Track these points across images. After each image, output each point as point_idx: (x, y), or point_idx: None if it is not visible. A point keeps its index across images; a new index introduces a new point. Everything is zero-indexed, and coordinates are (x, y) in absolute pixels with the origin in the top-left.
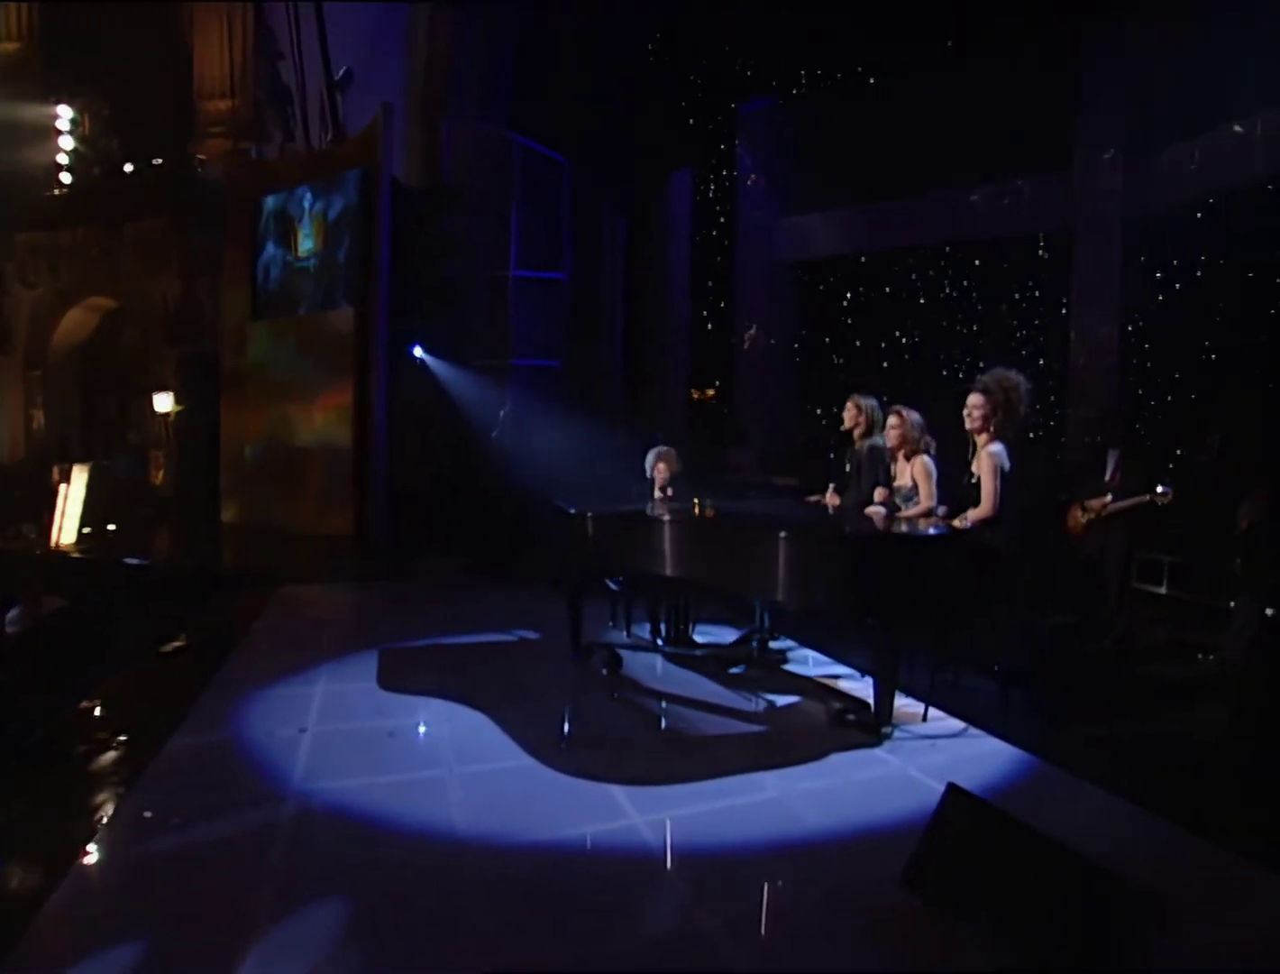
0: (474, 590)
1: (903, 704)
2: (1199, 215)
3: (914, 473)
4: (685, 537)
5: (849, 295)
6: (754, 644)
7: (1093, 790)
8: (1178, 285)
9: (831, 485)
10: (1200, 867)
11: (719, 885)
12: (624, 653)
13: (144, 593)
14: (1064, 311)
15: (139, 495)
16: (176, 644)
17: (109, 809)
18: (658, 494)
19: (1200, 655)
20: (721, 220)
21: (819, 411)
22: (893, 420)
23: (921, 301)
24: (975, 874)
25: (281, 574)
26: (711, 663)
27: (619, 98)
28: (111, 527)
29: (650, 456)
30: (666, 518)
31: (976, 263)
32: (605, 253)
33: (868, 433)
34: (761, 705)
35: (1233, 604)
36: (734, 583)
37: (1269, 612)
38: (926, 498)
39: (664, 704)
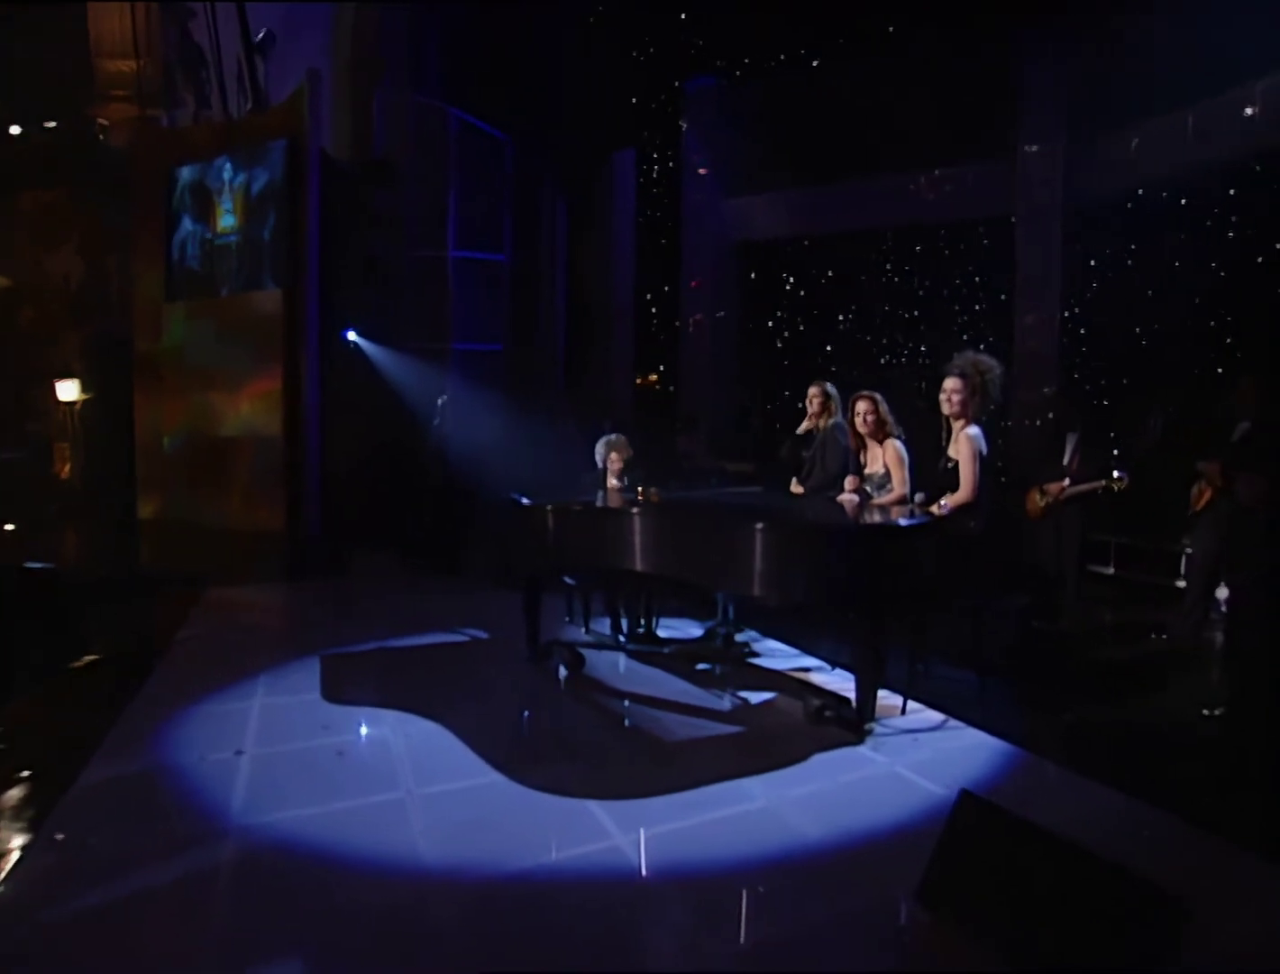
0: (416, 587)
1: (880, 697)
2: (1129, 205)
3: (886, 459)
4: (656, 529)
5: (792, 279)
6: (720, 638)
7: (1080, 781)
8: (1110, 273)
9: (794, 477)
10: (1202, 858)
11: (720, 910)
12: (585, 652)
13: (50, 601)
14: (1003, 298)
15: (41, 491)
16: (89, 659)
17: (10, 860)
18: (612, 483)
19: (1153, 635)
20: (665, 202)
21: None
22: (865, 406)
23: (864, 285)
24: (996, 885)
25: (207, 575)
26: (678, 660)
27: (561, 74)
28: (9, 526)
29: (601, 446)
30: (636, 510)
31: (918, 248)
32: (546, 234)
33: (829, 415)
34: (735, 704)
35: (1182, 585)
36: (708, 577)
37: (1221, 593)
38: (900, 484)
39: (634, 707)
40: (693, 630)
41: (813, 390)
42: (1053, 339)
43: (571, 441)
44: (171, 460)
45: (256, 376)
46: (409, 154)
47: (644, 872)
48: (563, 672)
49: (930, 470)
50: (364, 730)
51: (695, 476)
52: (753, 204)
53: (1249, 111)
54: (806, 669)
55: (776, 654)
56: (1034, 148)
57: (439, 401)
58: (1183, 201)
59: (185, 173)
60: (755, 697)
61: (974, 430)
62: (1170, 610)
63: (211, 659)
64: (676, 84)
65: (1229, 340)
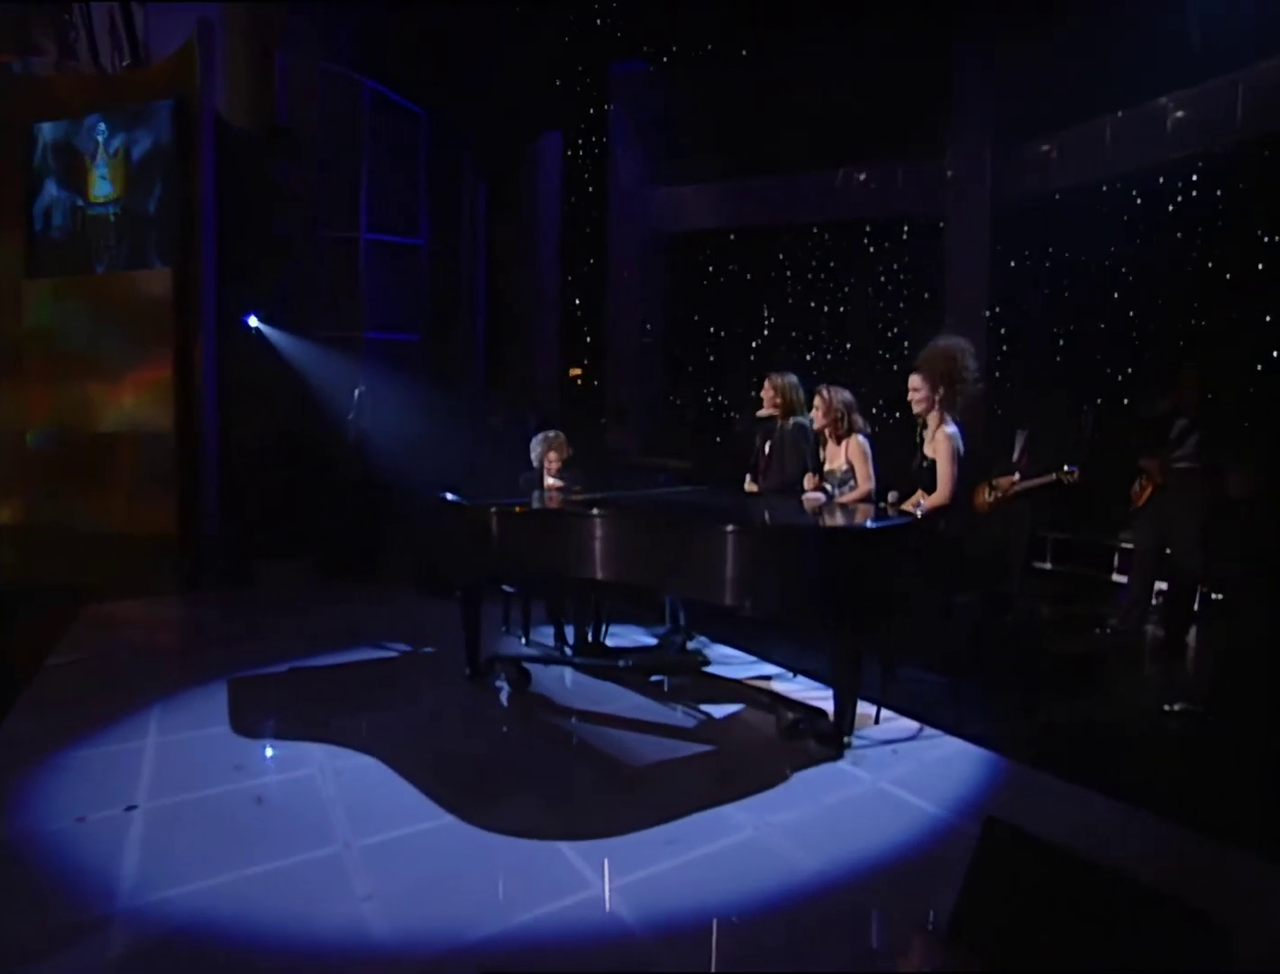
0: (333, 596)
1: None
2: (1053, 207)
3: (849, 454)
4: (619, 534)
5: (718, 271)
6: (675, 647)
7: (1064, 786)
8: (1035, 274)
9: (748, 474)
10: (1202, 861)
11: (727, 964)
12: (530, 667)
13: None
14: (927, 296)
15: None
16: None
17: None
18: (550, 482)
19: (1098, 630)
20: (591, 189)
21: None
22: (816, 401)
23: (791, 281)
24: (1032, 918)
25: (85, 588)
26: (634, 672)
27: (484, 48)
28: None
29: (538, 443)
30: (596, 512)
31: (845, 244)
32: (466, 218)
33: (789, 412)
34: (699, 720)
35: (1119, 579)
36: (677, 586)
37: (1159, 586)
38: (864, 480)
39: (592, 728)
40: (640, 638)
41: (766, 384)
42: (980, 338)
43: (497, 437)
44: (36, 458)
45: (142, 365)
46: (317, 125)
47: (634, 927)
48: (507, 690)
49: (893, 468)
50: (290, 773)
51: (635, 474)
52: (680, 194)
53: (1167, 120)
54: (766, 677)
55: (731, 661)
56: (966, 147)
57: (355, 393)
58: (1100, 207)
59: (48, 130)
60: (719, 710)
61: (952, 429)
62: (1110, 604)
63: (92, 688)
64: (604, 66)
65: (1143, 341)
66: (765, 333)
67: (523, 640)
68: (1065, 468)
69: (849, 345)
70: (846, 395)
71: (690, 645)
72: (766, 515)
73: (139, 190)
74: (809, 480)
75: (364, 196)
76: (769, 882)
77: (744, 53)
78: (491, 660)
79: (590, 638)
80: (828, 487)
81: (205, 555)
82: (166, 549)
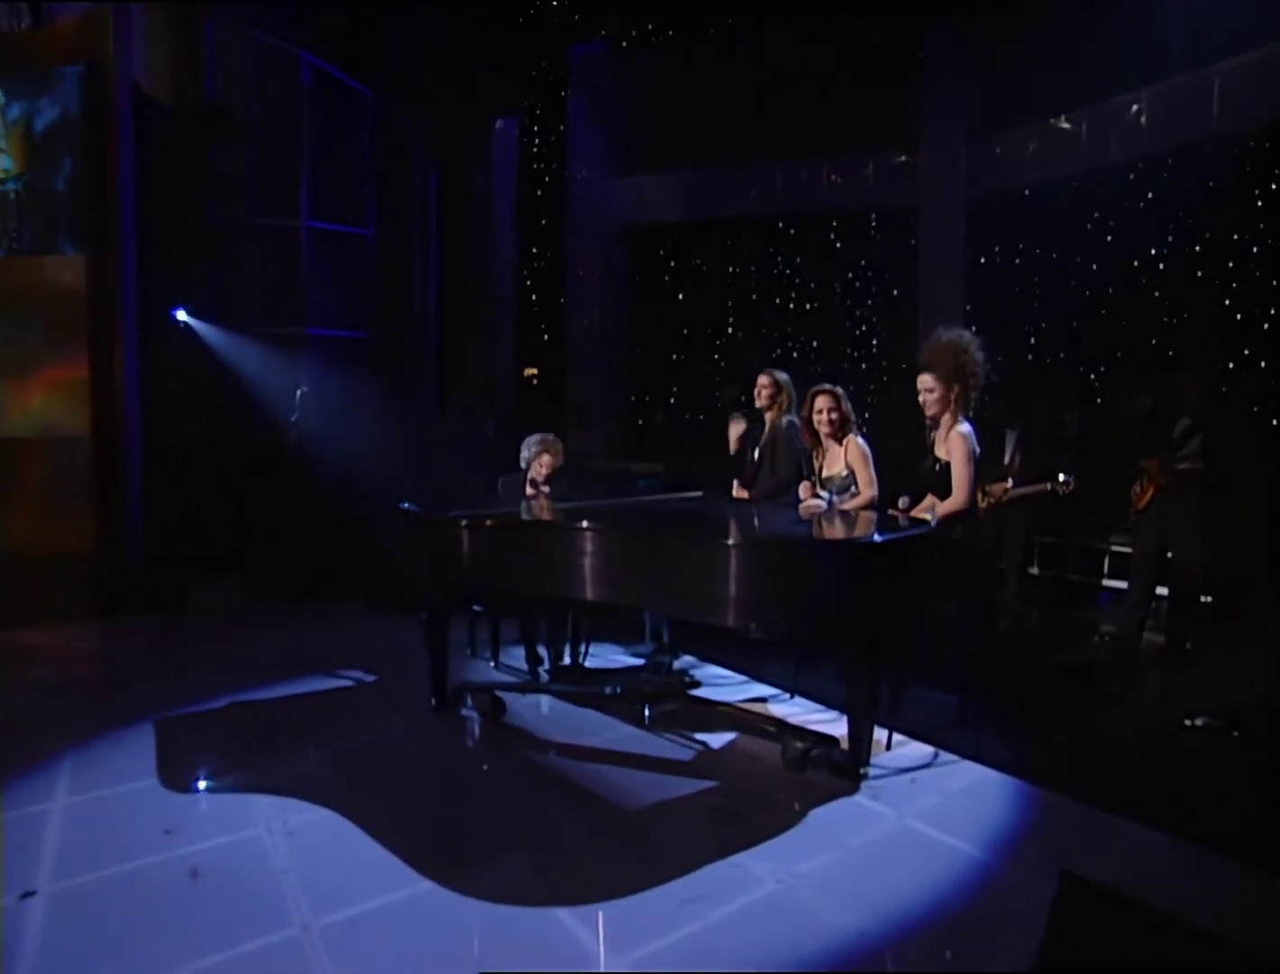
0: (273, 619)
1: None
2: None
3: (849, 458)
4: (611, 549)
5: (681, 265)
6: (664, 669)
7: (1105, 818)
8: (1008, 270)
9: (736, 479)
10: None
11: None
12: (504, 695)
13: None
14: (895, 293)
15: None
16: None
17: None
18: (531, 491)
19: (1096, 638)
20: (549, 178)
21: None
22: (826, 402)
23: (757, 275)
24: None
25: None
26: (623, 700)
27: (435, 25)
28: None
29: (533, 444)
30: (587, 525)
31: (816, 237)
32: (417, 207)
33: (784, 410)
34: (695, 751)
35: (1109, 583)
36: (672, 606)
37: (1160, 590)
38: (866, 484)
39: (578, 765)
40: (621, 658)
41: (762, 380)
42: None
43: (453, 441)
44: None
45: (53, 361)
46: (251, 102)
47: None
48: (479, 722)
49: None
50: (233, 835)
51: (603, 478)
52: (642, 184)
53: (1141, 115)
54: (762, 699)
55: (722, 682)
56: (937, 141)
57: (297, 394)
58: (1071, 202)
59: None
60: (716, 740)
61: (966, 428)
62: (1103, 609)
63: None
64: (563, 48)
65: (1117, 338)
66: (729, 331)
67: (492, 664)
68: (1060, 478)
69: (814, 344)
70: (846, 398)
71: (676, 665)
72: (772, 527)
73: (44, 166)
74: (804, 488)
75: (305, 182)
76: (806, 945)
77: (710, 34)
78: (461, 689)
79: (569, 660)
80: (824, 494)
81: (128, 575)
82: (82, 568)
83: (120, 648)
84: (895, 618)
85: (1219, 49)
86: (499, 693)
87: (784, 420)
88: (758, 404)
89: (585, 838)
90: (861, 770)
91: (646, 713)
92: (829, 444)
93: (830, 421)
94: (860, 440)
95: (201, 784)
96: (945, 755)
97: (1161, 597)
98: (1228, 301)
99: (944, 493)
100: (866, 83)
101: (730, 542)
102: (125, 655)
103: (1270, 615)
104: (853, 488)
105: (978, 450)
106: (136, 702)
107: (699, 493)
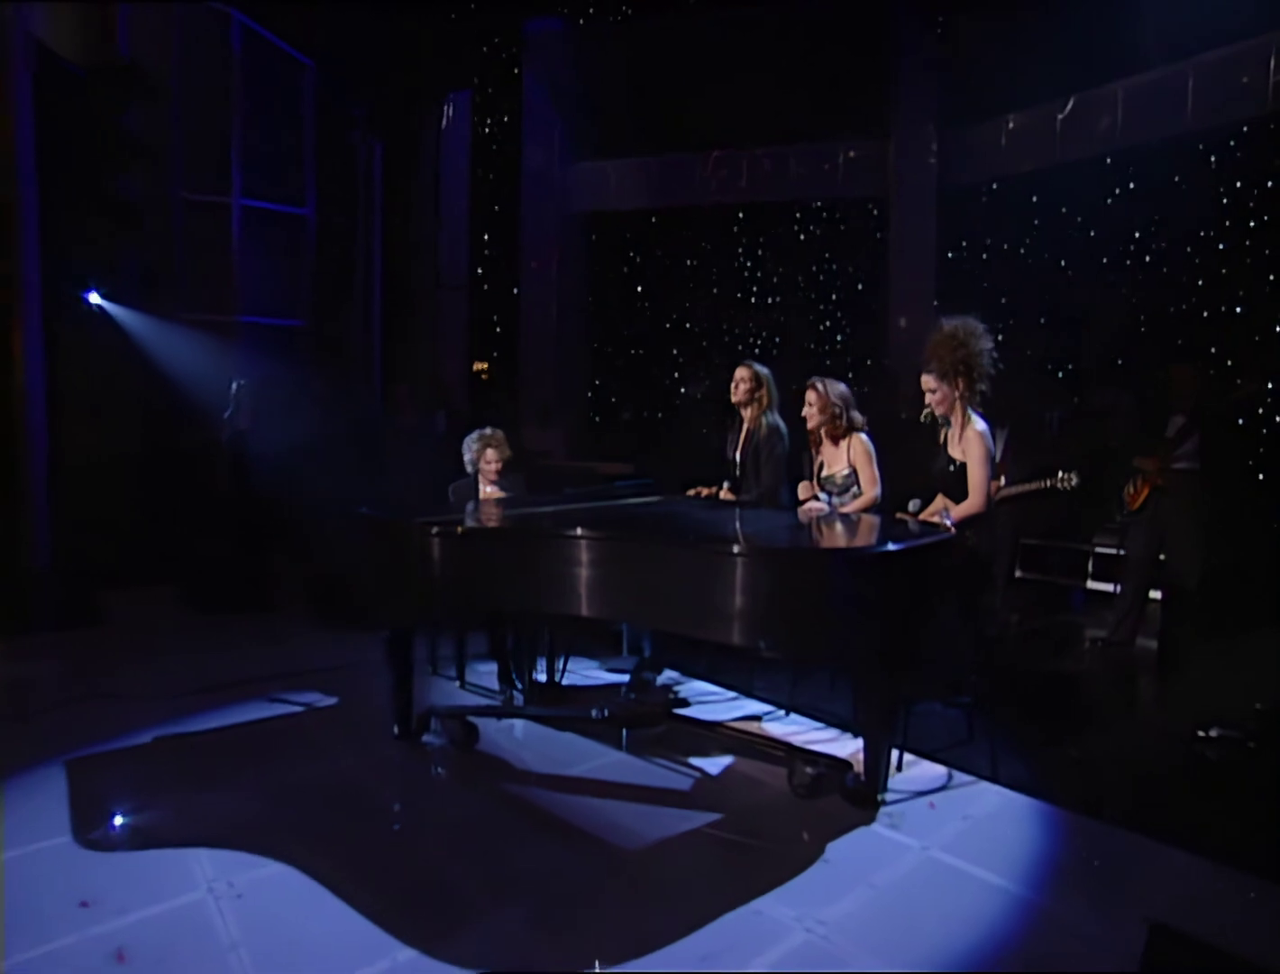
0: (205, 635)
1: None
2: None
3: (852, 456)
4: (606, 559)
5: (641, 256)
6: (649, 686)
7: (1138, 840)
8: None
9: (725, 482)
10: None
11: None
12: (476, 720)
13: None
14: (860, 287)
15: None
16: None
17: None
18: (487, 490)
19: (1088, 644)
20: (503, 161)
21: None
22: (810, 396)
23: (720, 266)
24: None
25: None
26: (608, 723)
27: None
28: None
29: (474, 442)
30: (580, 532)
31: (777, 227)
32: (361, 187)
33: (765, 407)
34: (692, 779)
35: (1093, 586)
36: (674, 622)
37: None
38: (870, 485)
39: (565, 799)
40: (598, 675)
41: (740, 373)
42: (927, 328)
43: (401, 438)
44: None
45: None
46: (174, 66)
47: None
48: (449, 752)
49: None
50: (173, 900)
51: (567, 478)
52: (600, 169)
53: (1117, 107)
54: (755, 716)
55: (710, 699)
56: (910, 129)
57: (232, 387)
58: (1047, 193)
59: None
60: (713, 765)
61: (982, 426)
62: (1089, 613)
63: None
64: (517, 23)
65: (1090, 334)
66: (688, 324)
67: (458, 684)
68: (1061, 474)
69: (777, 339)
70: (843, 388)
71: (659, 681)
72: (777, 534)
73: None
74: (803, 489)
75: (235, 155)
76: None
77: (673, 13)
78: (427, 714)
79: (544, 678)
80: (825, 493)
81: (33, 589)
82: None
83: (23, 671)
84: (913, 630)
85: (1194, 44)
86: (472, 719)
87: (765, 422)
88: (734, 399)
89: (583, 886)
90: (880, 797)
91: (624, 736)
92: (827, 441)
93: (815, 417)
94: (864, 437)
95: (126, 840)
96: (960, 776)
97: (1152, 600)
98: (1195, 299)
99: (958, 494)
100: (836, 64)
101: (743, 552)
102: (30, 681)
103: (1268, 618)
104: (854, 488)
105: (994, 450)
106: (44, 738)
107: (686, 498)
